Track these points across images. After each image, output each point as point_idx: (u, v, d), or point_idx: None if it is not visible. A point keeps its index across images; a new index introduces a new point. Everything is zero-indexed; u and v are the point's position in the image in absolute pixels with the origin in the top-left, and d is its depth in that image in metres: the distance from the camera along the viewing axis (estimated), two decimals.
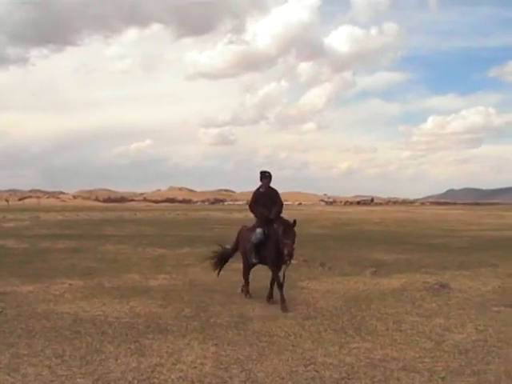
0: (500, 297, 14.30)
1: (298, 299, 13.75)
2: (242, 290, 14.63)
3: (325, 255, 23.31)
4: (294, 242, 12.78)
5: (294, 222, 13.03)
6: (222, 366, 8.44)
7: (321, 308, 12.43)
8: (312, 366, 8.54)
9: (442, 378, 8.08)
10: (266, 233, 13.43)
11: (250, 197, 14.75)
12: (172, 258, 22.27)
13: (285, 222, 13.10)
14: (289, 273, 17.85)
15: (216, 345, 9.61)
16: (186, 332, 10.45)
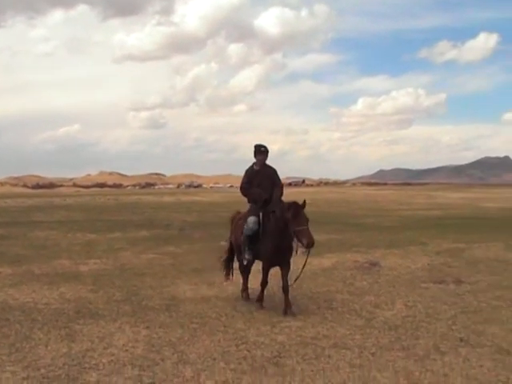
0: (429, 274, 14.61)
1: (230, 280, 13.76)
2: (242, 294, 12.13)
3: None
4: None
5: (304, 202, 10.67)
6: (153, 349, 8.43)
7: (252, 288, 12.46)
8: (244, 345, 8.60)
9: (372, 354, 8.23)
10: (262, 222, 11.10)
11: (240, 178, 12.06)
12: (102, 243, 22.03)
13: (293, 205, 10.55)
14: (220, 255, 17.97)
15: (147, 328, 9.58)
16: (117, 316, 10.37)
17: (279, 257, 10.89)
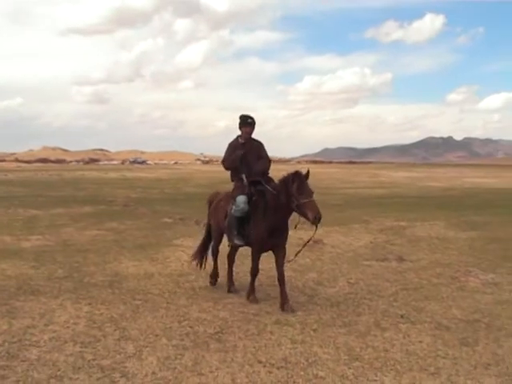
0: (371, 251, 14.79)
1: (173, 257, 13.75)
2: (229, 288, 10.81)
3: (200, 213, 23.25)
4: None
5: (308, 172, 9.34)
6: (95, 325, 8.39)
7: (196, 265, 12.49)
8: (186, 322, 8.62)
9: (314, 330, 8.33)
10: (253, 201, 9.93)
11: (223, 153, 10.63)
12: (45, 219, 21.73)
13: (297, 175, 9.26)
14: (164, 231, 17.93)
15: (89, 304, 9.52)
16: (58, 293, 10.27)
17: (274, 240, 9.75)
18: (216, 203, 11.03)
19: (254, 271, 10.08)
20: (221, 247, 11.12)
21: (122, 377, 6.58)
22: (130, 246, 15.19)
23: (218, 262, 11.22)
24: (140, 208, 26.37)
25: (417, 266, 12.88)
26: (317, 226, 9.15)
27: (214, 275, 11.23)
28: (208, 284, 11.12)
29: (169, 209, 26.03)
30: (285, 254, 9.92)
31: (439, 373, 6.80)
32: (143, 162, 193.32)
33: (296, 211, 9.27)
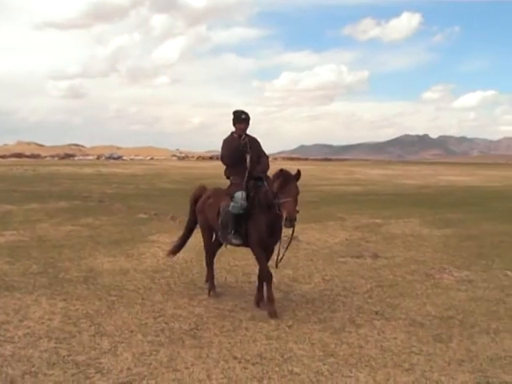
0: (346, 248, 14.84)
1: (148, 253, 13.72)
2: (210, 291, 10.20)
3: (175, 209, 23.30)
4: (296, 202, 8.74)
5: (298, 172, 8.88)
6: (70, 321, 8.38)
7: (171, 261, 12.44)
8: (162, 318, 8.62)
9: (289, 326, 8.36)
10: (251, 197, 9.43)
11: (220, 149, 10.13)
12: (19, 215, 21.61)
13: (282, 173, 8.86)
14: (139, 227, 17.89)
15: (65, 300, 9.50)
16: (33, 288, 10.23)
17: (271, 240, 9.37)
18: (204, 200, 10.40)
19: (266, 274, 9.29)
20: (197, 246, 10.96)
21: (96, 373, 6.58)
22: (105, 242, 15.15)
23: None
24: (115, 203, 26.27)
25: (391, 263, 12.95)
26: (293, 229, 8.85)
27: (211, 279, 10.37)
28: (183, 282, 11.09)
29: (144, 204, 25.96)
30: (273, 252, 9.60)
31: (413, 369, 6.85)
32: (119, 158, 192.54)
33: (277, 210, 8.81)
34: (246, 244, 9.60)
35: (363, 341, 7.78)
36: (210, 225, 10.19)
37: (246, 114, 9.93)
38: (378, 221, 20.77)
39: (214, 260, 10.69)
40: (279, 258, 9.29)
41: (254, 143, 9.96)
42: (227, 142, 9.94)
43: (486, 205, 28.56)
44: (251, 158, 9.71)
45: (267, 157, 10.16)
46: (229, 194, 9.65)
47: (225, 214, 9.59)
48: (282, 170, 8.92)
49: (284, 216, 8.52)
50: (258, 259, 9.39)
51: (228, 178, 10.05)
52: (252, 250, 9.49)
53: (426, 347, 7.59)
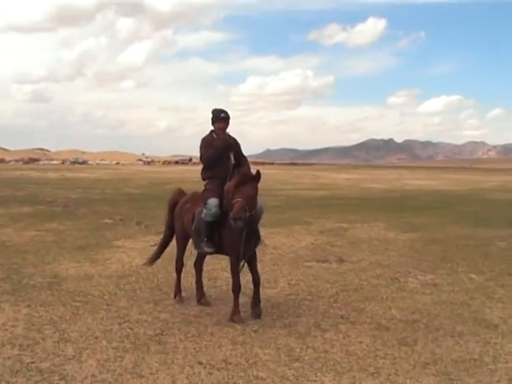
0: (312, 253, 14.87)
1: (113, 258, 13.65)
2: (175, 296, 10.14)
3: (141, 214, 23.26)
4: (249, 202, 8.49)
5: (258, 173, 8.71)
6: (34, 327, 8.30)
7: (136, 266, 12.42)
8: (126, 323, 8.58)
9: (255, 331, 8.37)
10: (225, 204, 8.99)
11: (199, 149, 9.68)
12: None
13: (239, 174, 8.74)
14: (104, 232, 17.79)
15: (28, 306, 9.41)
16: None
17: (247, 248, 8.93)
18: (181, 205, 10.00)
19: (236, 287, 9.05)
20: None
21: (61, 379, 6.53)
22: (70, 247, 15.04)
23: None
24: (80, 208, 26.09)
25: (357, 267, 13.01)
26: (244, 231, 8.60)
27: (178, 289, 10.16)
28: (148, 288, 11.05)
29: (109, 209, 25.81)
30: (256, 258, 9.41)
31: (379, 372, 6.89)
32: (84, 162, 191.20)
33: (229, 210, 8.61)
34: (219, 252, 9.34)
35: (328, 345, 7.81)
36: (186, 231, 9.82)
37: (226, 112, 9.61)
38: (343, 225, 20.88)
39: (203, 266, 10.46)
40: (241, 263, 9.07)
41: (235, 144, 9.69)
42: (206, 141, 9.54)
43: (451, 208, 28.84)
44: (221, 160, 9.38)
45: (246, 159, 9.89)
46: (203, 200, 9.31)
47: (198, 220, 9.27)
48: (238, 171, 8.86)
49: (230, 215, 8.39)
50: (232, 269, 9.10)
51: (204, 180, 9.73)
52: (229, 259, 9.18)
53: (391, 351, 7.64)
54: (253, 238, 9.04)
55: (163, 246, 10.68)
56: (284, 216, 23.67)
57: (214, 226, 9.05)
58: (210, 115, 9.63)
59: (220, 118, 9.52)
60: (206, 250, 9.27)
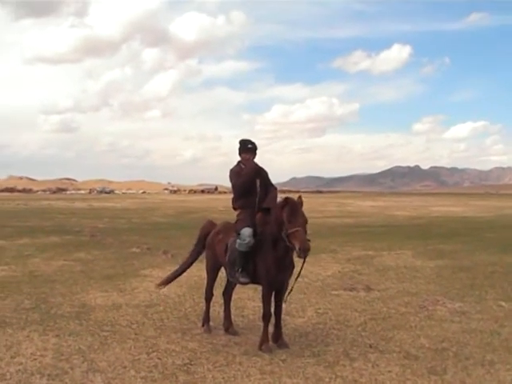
0: (339, 281, 14.79)
1: (141, 287, 13.66)
2: (203, 325, 10.07)
3: (168, 243, 23.31)
4: (306, 231, 8.54)
5: (300, 198, 8.76)
6: (62, 357, 8.30)
7: (164, 295, 12.42)
8: (155, 353, 8.55)
9: (283, 361, 8.30)
10: (260, 233, 9.02)
11: (229, 178, 9.65)
12: (11, 249, 21.54)
13: (288, 202, 8.58)
14: (132, 261, 17.84)
15: (57, 336, 9.41)
16: (25, 324, 10.15)
17: (281, 276, 8.95)
18: (213, 235, 9.91)
19: (267, 316, 8.98)
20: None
21: None
22: (98, 277, 15.09)
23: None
24: (107, 238, 26.21)
25: (385, 296, 12.92)
26: (304, 259, 8.50)
27: (206, 318, 10.12)
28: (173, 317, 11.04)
29: (136, 239, 25.90)
30: (286, 289, 9.20)
31: None
32: (111, 192, 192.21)
33: (286, 242, 8.50)
34: (254, 282, 9.21)
35: (357, 374, 7.73)
36: (218, 261, 9.78)
37: (253, 143, 9.58)
38: (370, 253, 20.78)
39: (232, 295, 10.39)
40: (288, 292, 9.15)
41: (263, 173, 9.56)
42: (235, 173, 9.50)
43: (478, 235, 28.61)
44: (261, 187, 9.35)
45: (275, 188, 9.68)
46: (236, 230, 9.22)
47: (232, 251, 9.19)
48: (287, 199, 8.66)
49: (297, 247, 8.24)
50: (264, 299, 9.01)
51: (235, 209, 9.63)
52: (262, 288, 9.09)
53: (421, 380, 7.55)
54: (288, 266, 8.99)
55: (180, 271, 10.62)
56: (311, 244, 23.56)
57: (248, 255, 8.97)
58: (238, 145, 9.59)
59: (247, 148, 9.49)
60: (242, 280, 9.16)
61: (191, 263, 10.54)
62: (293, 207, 8.49)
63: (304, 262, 8.64)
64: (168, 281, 10.68)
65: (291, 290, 9.25)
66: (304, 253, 8.25)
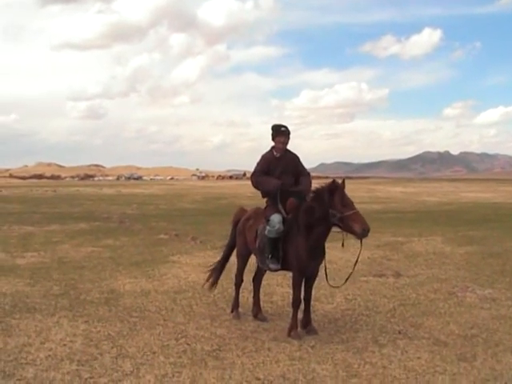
0: (368, 267, 14.77)
1: (170, 274, 13.72)
2: (232, 311, 10.12)
3: (196, 229, 23.40)
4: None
5: (343, 182, 8.70)
6: (92, 343, 8.35)
7: (192, 282, 12.48)
8: (184, 339, 8.59)
9: (312, 347, 8.30)
10: (290, 220, 8.96)
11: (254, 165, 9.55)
12: (40, 236, 21.76)
13: (335, 185, 8.57)
14: (160, 248, 17.91)
15: (86, 322, 9.48)
16: (54, 310, 10.23)
17: (314, 262, 9.03)
18: (243, 222, 9.89)
19: (297, 302, 8.98)
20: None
21: None
22: (126, 263, 15.18)
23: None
24: (136, 224, 26.39)
25: (414, 282, 12.88)
26: (361, 246, 8.73)
27: (236, 304, 10.14)
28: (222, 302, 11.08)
29: (164, 225, 26.03)
30: (316, 276, 9.32)
31: None
32: (139, 178, 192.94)
33: (338, 225, 8.58)
34: (284, 268, 9.19)
35: (386, 361, 7.73)
36: (248, 247, 9.75)
37: (286, 127, 9.36)
38: (399, 239, 20.72)
39: (262, 281, 10.45)
40: (347, 277, 9.54)
41: (293, 161, 9.45)
42: (265, 159, 9.41)
43: (509, 221, 28.41)
44: (285, 177, 9.21)
45: (309, 174, 9.62)
46: (265, 216, 9.19)
47: (261, 237, 9.17)
48: (334, 182, 8.64)
49: (358, 228, 8.29)
50: (294, 285, 9.03)
51: (263, 197, 9.57)
52: (292, 274, 9.12)
53: (450, 367, 7.52)
54: (320, 253, 9.05)
55: (221, 268, 10.57)
56: (339, 230, 23.52)
57: (277, 242, 8.94)
58: (270, 131, 9.42)
59: (281, 131, 9.29)
60: (272, 266, 9.13)
61: (231, 252, 10.52)
62: (343, 191, 8.53)
63: (361, 245, 8.76)
64: (215, 280, 10.59)
65: (349, 277, 9.63)
66: (367, 233, 8.31)
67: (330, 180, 8.92)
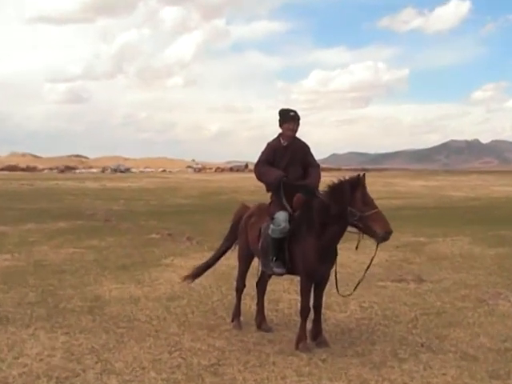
0: (386, 271, 14.76)
1: (162, 278, 13.73)
2: (233, 320, 10.09)
3: (192, 228, 23.41)
4: None
5: (364, 176, 8.59)
6: (73, 357, 8.36)
7: (188, 287, 12.46)
8: (178, 352, 8.60)
9: (323, 361, 8.31)
10: (297, 218, 8.89)
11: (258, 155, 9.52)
12: (14, 236, 21.75)
13: (357, 181, 8.53)
14: (151, 249, 17.94)
15: (66, 333, 9.49)
16: (30, 321, 10.23)
17: (325, 266, 8.99)
18: (246, 219, 9.82)
19: (305, 310, 8.94)
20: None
21: None
22: (113, 267, 15.18)
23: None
24: (123, 222, 26.38)
25: (438, 288, 12.88)
26: (376, 249, 8.71)
27: (237, 312, 10.13)
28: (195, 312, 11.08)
29: (156, 223, 26.04)
30: (327, 281, 9.25)
31: None
32: (126, 170, 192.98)
33: (356, 226, 8.62)
34: (291, 272, 9.18)
35: (407, 377, 7.72)
36: (251, 249, 9.67)
37: (295, 112, 9.26)
38: (421, 239, 20.74)
39: (266, 287, 10.41)
40: (357, 284, 9.42)
41: (302, 150, 9.40)
42: (271, 148, 9.38)
43: None
44: (292, 168, 9.18)
45: (318, 166, 9.60)
46: (269, 213, 9.12)
47: (265, 237, 9.07)
48: (358, 178, 8.57)
49: (379, 230, 8.31)
50: (302, 291, 8.98)
51: (268, 191, 9.52)
52: (300, 279, 9.08)
53: None
54: (331, 254, 9.00)
55: (212, 262, 10.62)
56: (353, 229, 23.53)
57: (282, 243, 8.85)
58: (278, 117, 9.36)
59: (289, 116, 9.21)
60: (276, 270, 9.07)
61: (224, 252, 10.56)
62: (365, 188, 8.51)
63: (377, 248, 8.76)
64: (197, 273, 10.67)
65: (358, 283, 9.43)
66: (389, 236, 8.34)
67: (352, 174, 8.85)
